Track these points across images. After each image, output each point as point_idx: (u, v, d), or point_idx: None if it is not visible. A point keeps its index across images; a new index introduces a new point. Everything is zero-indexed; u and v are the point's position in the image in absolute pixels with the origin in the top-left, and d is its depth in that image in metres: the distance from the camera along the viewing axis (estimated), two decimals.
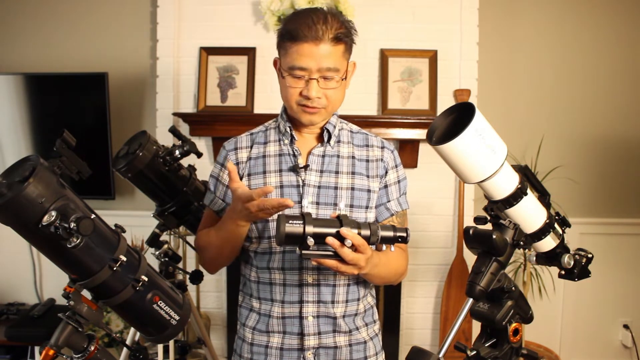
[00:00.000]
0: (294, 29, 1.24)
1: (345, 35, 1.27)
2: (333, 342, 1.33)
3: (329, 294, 1.32)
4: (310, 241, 1.09)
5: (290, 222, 1.08)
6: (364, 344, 1.38)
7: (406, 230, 1.16)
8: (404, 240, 1.16)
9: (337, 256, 1.12)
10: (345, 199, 1.33)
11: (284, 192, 1.32)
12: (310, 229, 1.09)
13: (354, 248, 1.12)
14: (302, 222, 1.09)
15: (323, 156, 1.35)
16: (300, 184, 1.33)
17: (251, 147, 1.39)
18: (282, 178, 1.34)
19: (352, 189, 1.34)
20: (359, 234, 1.12)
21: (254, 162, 1.37)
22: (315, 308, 1.32)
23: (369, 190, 1.36)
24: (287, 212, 1.29)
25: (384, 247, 1.16)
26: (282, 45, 1.29)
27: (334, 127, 1.37)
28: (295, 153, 1.35)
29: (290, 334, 1.32)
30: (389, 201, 1.39)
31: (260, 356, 1.35)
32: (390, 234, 1.15)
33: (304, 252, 1.10)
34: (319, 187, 1.33)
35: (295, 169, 1.33)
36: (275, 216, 1.31)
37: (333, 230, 1.11)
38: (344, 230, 1.10)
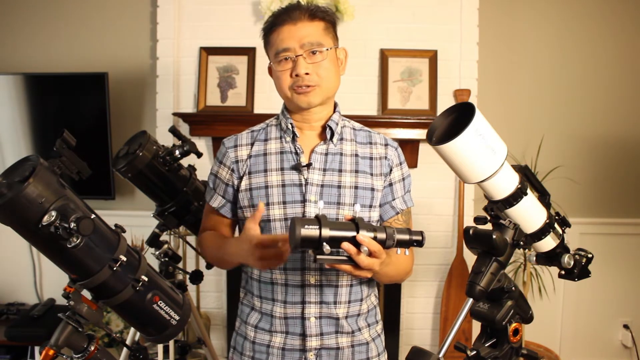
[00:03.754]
0: (271, 21, 1.33)
1: (322, 12, 1.32)
2: (335, 343, 1.32)
3: (331, 295, 1.31)
4: (327, 249, 1.06)
5: (306, 226, 1.06)
6: (367, 345, 1.37)
7: (421, 233, 1.13)
8: (420, 244, 1.13)
9: (351, 260, 1.10)
10: (348, 198, 1.31)
11: (286, 190, 1.31)
12: (326, 232, 1.06)
13: (369, 253, 1.10)
14: (317, 225, 1.06)
15: (326, 154, 1.34)
16: (303, 182, 1.31)
17: (252, 144, 1.38)
18: (284, 177, 1.32)
19: (356, 187, 1.33)
20: (375, 238, 1.09)
21: (255, 160, 1.35)
22: (318, 309, 1.31)
23: (372, 189, 1.34)
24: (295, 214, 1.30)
25: (399, 250, 1.13)
26: (266, 42, 1.35)
27: (336, 124, 1.36)
28: (298, 151, 1.34)
29: (293, 335, 1.32)
30: (394, 199, 1.37)
31: (262, 355, 1.34)
32: (407, 237, 1.12)
33: (318, 257, 1.08)
34: (322, 185, 1.31)
35: (297, 168, 1.32)
36: (277, 215, 1.31)
37: (349, 234, 1.08)
38: (360, 237, 1.08)
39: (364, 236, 1.08)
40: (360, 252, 1.08)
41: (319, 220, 1.07)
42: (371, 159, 1.37)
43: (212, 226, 1.45)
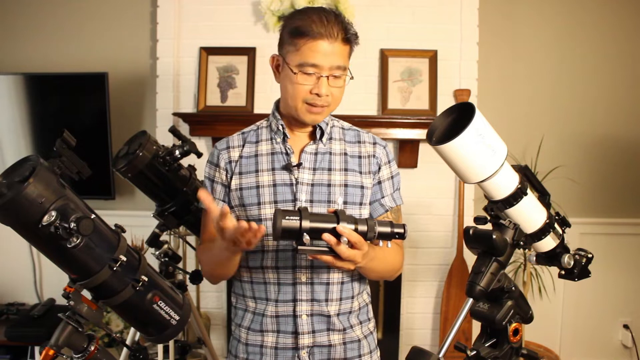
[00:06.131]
0: (306, 26, 1.23)
1: (355, 37, 1.30)
2: (327, 341, 1.33)
3: (322, 292, 1.32)
4: (307, 239, 1.08)
5: (287, 217, 1.08)
6: (358, 342, 1.38)
7: (403, 226, 1.15)
8: (402, 236, 1.14)
9: (333, 252, 1.12)
10: (339, 196, 1.33)
11: (277, 190, 1.33)
12: (306, 223, 1.08)
13: (350, 244, 1.11)
14: (298, 217, 1.09)
15: (315, 154, 1.36)
16: (294, 182, 1.33)
17: (243, 145, 1.39)
18: (275, 177, 1.34)
19: (346, 185, 1.34)
20: (356, 229, 1.11)
21: (246, 161, 1.37)
22: (309, 306, 1.32)
23: (362, 187, 1.36)
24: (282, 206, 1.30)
25: (381, 243, 1.15)
26: (291, 42, 1.26)
27: (326, 124, 1.37)
28: (288, 151, 1.35)
29: (285, 333, 1.32)
30: (382, 197, 1.39)
31: (256, 356, 1.35)
32: (388, 229, 1.14)
33: (300, 247, 1.10)
34: (312, 184, 1.33)
35: (288, 168, 1.33)
36: (269, 214, 1.32)
37: (330, 226, 1.10)
38: (340, 228, 1.09)
39: (344, 227, 1.10)
40: (340, 242, 1.09)
41: (300, 212, 1.09)
42: (360, 157, 1.38)
43: (210, 237, 1.39)
